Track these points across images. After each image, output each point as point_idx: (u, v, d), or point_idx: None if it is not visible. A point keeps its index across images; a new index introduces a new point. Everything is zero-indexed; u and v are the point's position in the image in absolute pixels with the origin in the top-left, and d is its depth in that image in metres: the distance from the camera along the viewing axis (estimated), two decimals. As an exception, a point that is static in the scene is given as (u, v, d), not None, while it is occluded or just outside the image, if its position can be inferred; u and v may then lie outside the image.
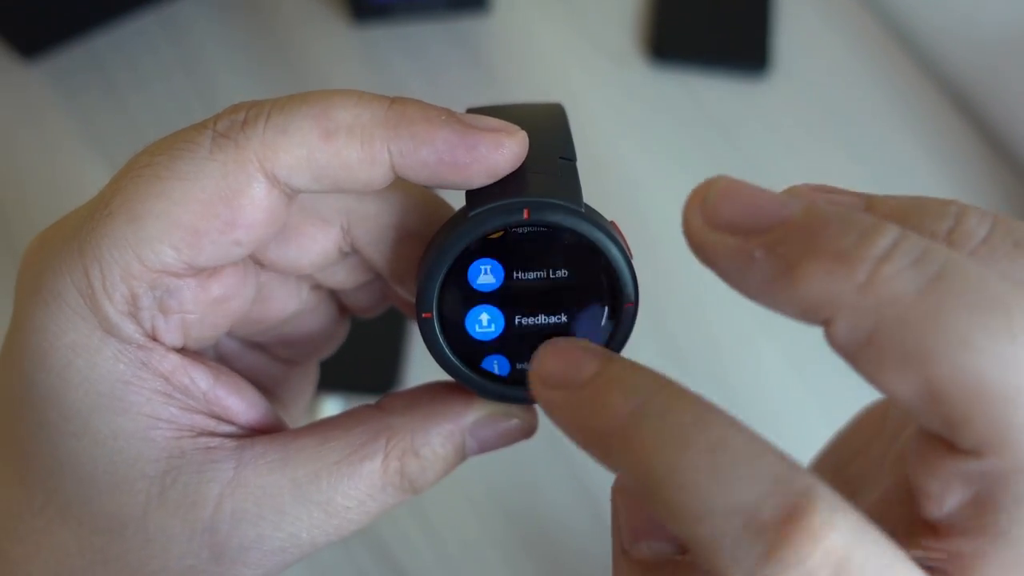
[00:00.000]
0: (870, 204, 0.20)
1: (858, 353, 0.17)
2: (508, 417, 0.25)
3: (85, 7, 0.65)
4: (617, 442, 0.17)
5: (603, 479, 0.56)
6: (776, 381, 0.60)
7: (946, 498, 0.17)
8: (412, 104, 0.22)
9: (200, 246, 0.21)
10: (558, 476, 0.56)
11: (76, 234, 0.21)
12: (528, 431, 0.26)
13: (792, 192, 0.20)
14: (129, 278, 0.21)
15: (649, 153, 0.66)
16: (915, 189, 0.66)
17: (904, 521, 0.19)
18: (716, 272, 0.19)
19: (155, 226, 0.20)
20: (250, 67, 0.66)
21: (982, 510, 0.17)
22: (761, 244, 0.17)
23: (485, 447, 0.25)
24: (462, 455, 0.25)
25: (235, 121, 0.21)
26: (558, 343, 0.21)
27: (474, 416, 0.24)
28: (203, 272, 0.22)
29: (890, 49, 0.71)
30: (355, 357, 0.57)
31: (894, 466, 0.23)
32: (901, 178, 0.66)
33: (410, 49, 0.68)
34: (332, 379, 0.56)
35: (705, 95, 0.68)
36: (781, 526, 0.15)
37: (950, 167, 0.67)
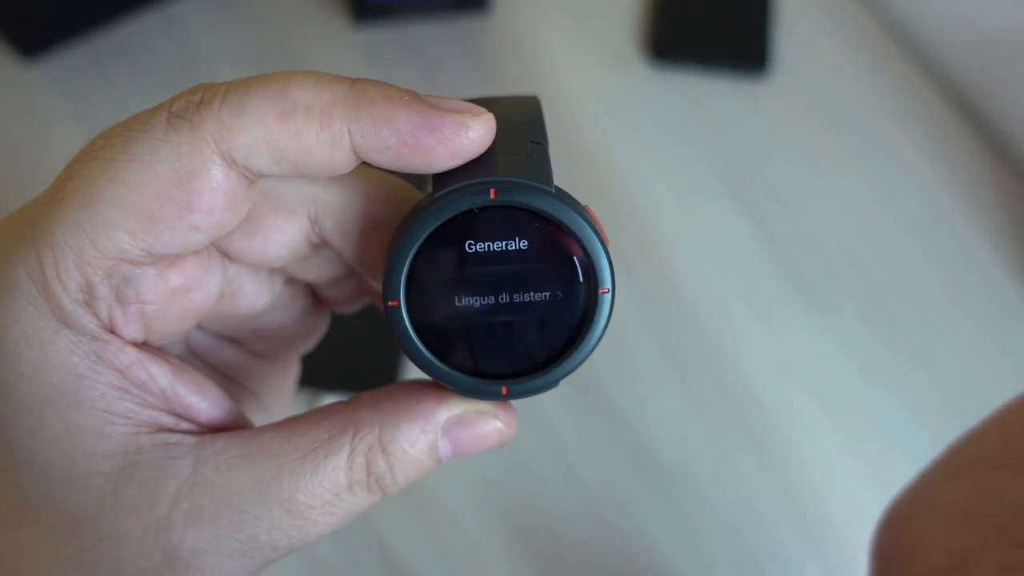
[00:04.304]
0: None
1: None
2: (485, 417, 0.24)
3: (85, 7, 0.65)
4: None
5: (602, 477, 0.56)
6: (778, 383, 0.59)
7: None
8: (374, 84, 0.21)
9: (156, 231, 0.20)
10: (557, 475, 0.56)
11: (30, 221, 0.20)
12: (506, 435, 0.25)
13: None
14: (84, 265, 0.20)
15: (649, 153, 0.65)
16: (914, 188, 0.65)
17: None
18: None
19: (109, 210, 0.20)
20: (250, 67, 0.66)
21: None
22: None
23: (460, 450, 0.24)
24: (435, 457, 0.24)
25: (191, 102, 0.20)
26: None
27: (447, 414, 0.24)
28: (162, 260, 0.22)
29: (890, 49, 0.70)
30: (353, 357, 0.57)
31: None
32: (901, 178, 0.66)
33: (410, 49, 0.68)
34: (331, 379, 0.56)
35: (705, 95, 0.67)
36: None
37: (950, 167, 0.66)
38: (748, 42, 0.68)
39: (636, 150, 0.66)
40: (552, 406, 0.57)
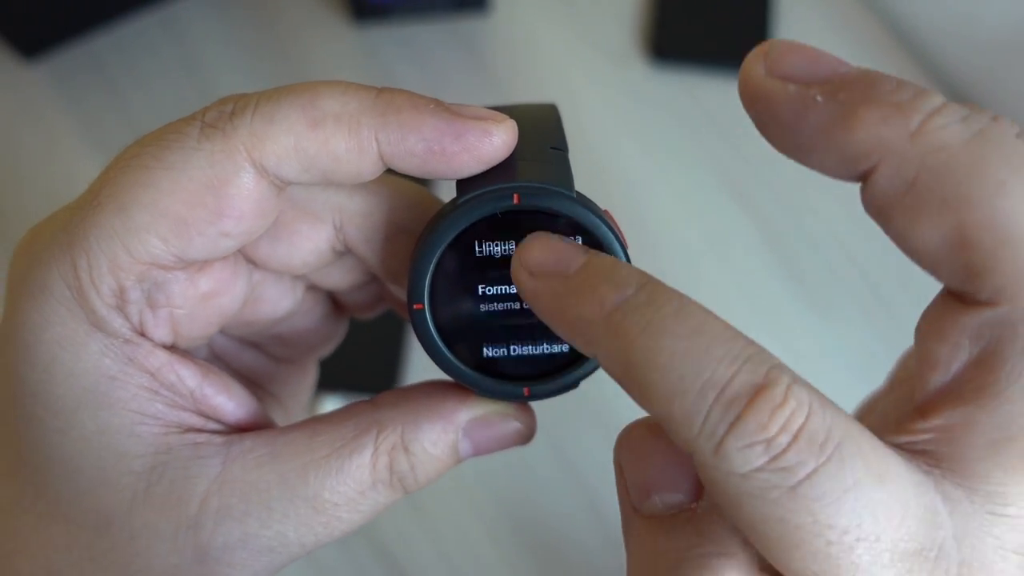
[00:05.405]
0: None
1: (896, 201, 0.18)
2: (505, 419, 0.25)
3: (85, 7, 0.65)
4: (602, 329, 0.18)
5: (601, 475, 0.56)
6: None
7: (952, 361, 0.18)
8: (400, 93, 0.22)
9: (188, 236, 0.21)
10: (557, 475, 0.56)
11: (65, 227, 0.21)
12: (526, 436, 0.25)
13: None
14: (117, 270, 0.21)
15: (649, 153, 0.66)
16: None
17: (893, 422, 0.19)
18: (767, 120, 0.19)
19: (142, 216, 0.20)
20: (250, 67, 0.66)
21: (985, 367, 0.17)
22: (822, 91, 0.18)
23: (480, 449, 0.24)
24: (455, 456, 0.24)
25: (223, 111, 0.21)
26: (543, 236, 0.21)
27: (468, 415, 0.24)
28: (192, 266, 0.22)
29: (890, 49, 0.70)
30: (355, 357, 0.57)
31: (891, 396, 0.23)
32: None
33: (410, 49, 0.68)
34: (332, 379, 0.56)
35: (705, 95, 0.68)
36: (748, 398, 0.16)
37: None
38: (748, 42, 0.68)
39: (636, 150, 0.66)
40: (556, 409, 0.58)
